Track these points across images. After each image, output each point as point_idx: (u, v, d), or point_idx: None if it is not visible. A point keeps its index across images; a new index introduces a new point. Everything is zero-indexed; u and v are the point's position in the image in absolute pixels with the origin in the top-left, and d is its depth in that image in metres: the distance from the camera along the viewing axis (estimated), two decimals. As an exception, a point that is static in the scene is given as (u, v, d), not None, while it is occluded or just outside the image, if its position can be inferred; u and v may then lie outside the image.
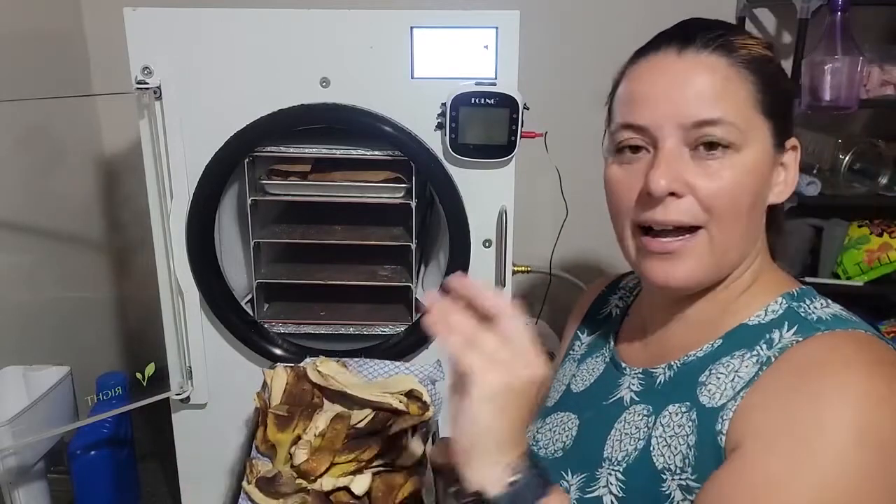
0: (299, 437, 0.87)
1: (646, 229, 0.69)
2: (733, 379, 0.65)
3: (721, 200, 0.66)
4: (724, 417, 0.63)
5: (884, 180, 1.56)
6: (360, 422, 0.88)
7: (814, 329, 0.64)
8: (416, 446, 0.86)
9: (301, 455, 0.84)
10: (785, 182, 0.70)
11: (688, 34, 0.68)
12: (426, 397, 0.90)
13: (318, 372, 0.93)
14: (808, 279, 1.55)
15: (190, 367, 1.15)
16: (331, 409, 0.91)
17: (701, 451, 0.63)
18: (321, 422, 0.87)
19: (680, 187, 0.66)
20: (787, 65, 0.74)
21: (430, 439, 0.90)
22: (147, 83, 1.01)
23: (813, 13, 1.41)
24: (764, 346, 0.66)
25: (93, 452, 1.24)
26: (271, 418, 0.88)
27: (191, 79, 1.02)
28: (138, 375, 1.06)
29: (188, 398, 1.16)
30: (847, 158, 1.54)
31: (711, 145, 0.65)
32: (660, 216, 0.67)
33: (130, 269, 1.75)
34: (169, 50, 1.01)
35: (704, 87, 0.66)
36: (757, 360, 0.65)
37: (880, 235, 1.56)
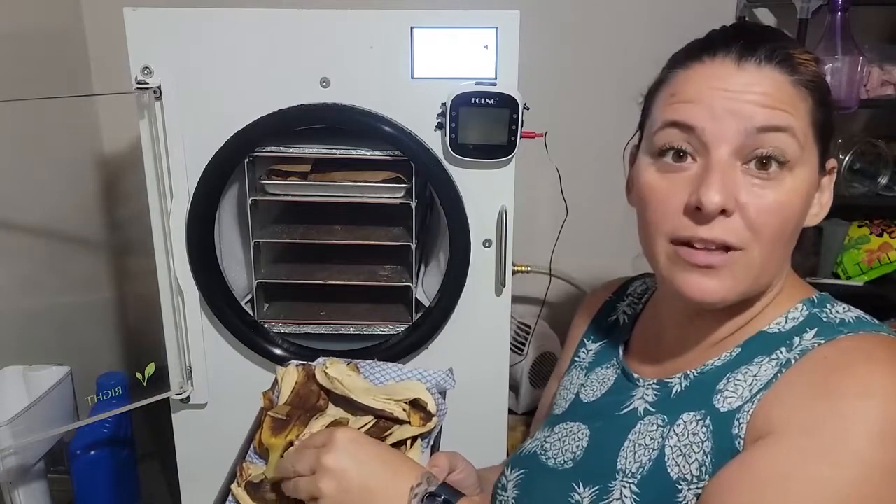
0: (292, 443, 0.85)
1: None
2: (751, 383, 0.63)
3: (769, 222, 0.63)
4: (741, 421, 0.61)
5: (884, 180, 1.56)
6: (358, 429, 0.87)
7: (837, 332, 0.62)
8: (413, 458, 0.85)
9: None
10: (820, 204, 0.68)
11: (748, 43, 0.63)
12: (431, 406, 0.88)
13: (325, 374, 0.92)
14: (807, 279, 1.55)
15: (190, 367, 1.15)
16: (334, 412, 0.91)
17: (717, 457, 0.61)
18: (316, 427, 0.86)
19: (732, 205, 0.62)
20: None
21: (430, 451, 0.89)
22: (147, 83, 1.01)
23: (813, 13, 1.41)
24: (784, 350, 0.64)
25: (93, 452, 1.24)
26: (267, 421, 0.87)
27: (191, 79, 1.02)
28: (138, 375, 1.06)
29: (188, 398, 1.16)
30: (847, 158, 1.54)
31: (766, 161, 0.62)
32: (705, 233, 0.63)
33: (130, 268, 1.74)
34: (169, 50, 1.01)
35: (769, 95, 0.62)
36: (776, 364, 0.63)
37: (880, 235, 1.56)
